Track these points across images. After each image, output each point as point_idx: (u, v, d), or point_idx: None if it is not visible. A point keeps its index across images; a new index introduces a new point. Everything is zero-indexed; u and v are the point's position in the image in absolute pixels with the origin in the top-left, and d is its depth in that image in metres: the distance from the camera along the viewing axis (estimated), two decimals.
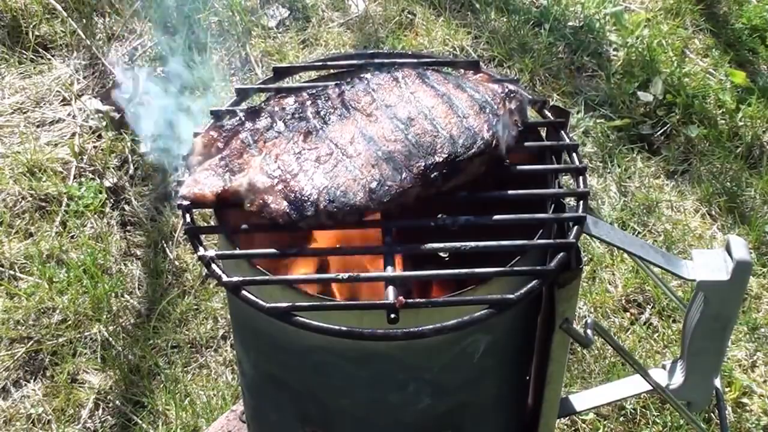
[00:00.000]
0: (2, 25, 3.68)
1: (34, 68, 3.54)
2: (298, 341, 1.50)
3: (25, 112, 3.38)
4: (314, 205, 1.41)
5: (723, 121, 3.34)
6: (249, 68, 3.53)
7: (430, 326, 1.38)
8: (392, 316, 1.36)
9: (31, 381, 2.61)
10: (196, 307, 2.77)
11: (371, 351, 1.49)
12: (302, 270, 1.72)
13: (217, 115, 1.64)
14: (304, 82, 1.82)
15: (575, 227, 1.52)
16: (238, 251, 1.50)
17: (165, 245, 2.92)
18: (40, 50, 3.60)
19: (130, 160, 3.16)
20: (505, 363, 1.68)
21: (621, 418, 2.48)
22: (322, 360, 1.53)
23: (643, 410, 2.49)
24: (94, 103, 3.33)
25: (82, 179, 3.11)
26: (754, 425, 2.48)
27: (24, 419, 2.52)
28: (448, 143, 1.48)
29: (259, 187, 1.44)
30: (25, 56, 3.58)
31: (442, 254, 1.79)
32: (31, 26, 3.64)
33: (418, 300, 1.41)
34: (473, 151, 1.49)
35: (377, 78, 1.60)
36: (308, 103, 1.56)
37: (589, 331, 1.61)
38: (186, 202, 1.48)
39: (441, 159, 1.47)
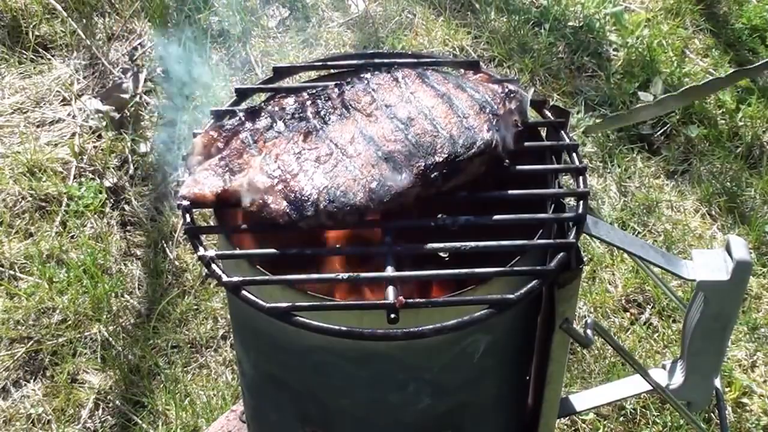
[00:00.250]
0: (2, 25, 3.68)
1: (34, 68, 3.54)
2: (298, 341, 1.50)
3: (25, 112, 3.38)
4: (314, 205, 1.41)
5: (723, 121, 3.34)
6: (249, 68, 3.53)
7: (430, 326, 1.38)
8: (392, 316, 1.36)
9: (31, 381, 2.61)
10: (196, 307, 2.77)
11: (371, 351, 1.49)
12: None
13: (217, 115, 1.64)
14: (304, 82, 1.82)
15: (575, 227, 1.52)
16: (238, 251, 1.50)
17: (165, 245, 2.92)
18: (40, 50, 3.60)
19: (130, 160, 3.16)
20: (505, 363, 1.68)
21: (621, 418, 2.48)
22: (322, 360, 1.53)
23: (643, 410, 2.49)
24: (94, 103, 3.33)
25: (82, 179, 3.11)
26: (754, 425, 2.48)
27: (24, 419, 2.52)
28: (448, 143, 1.48)
29: (259, 187, 1.44)
30: (25, 56, 3.58)
31: (442, 254, 1.79)
32: (31, 26, 3.64)
33: (418, 300, 1.41)
34: (473, 151, 1.49)
35: (377, 78, 1.60)
36: (308, 103, 1.56)
37: (589, 331, 1.61)
38: (186, 202, 1.48)
39: (441, 159, 1.47)
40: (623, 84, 3.43)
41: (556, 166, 1.64)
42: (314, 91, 1.59)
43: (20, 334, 2.70)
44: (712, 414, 2.44)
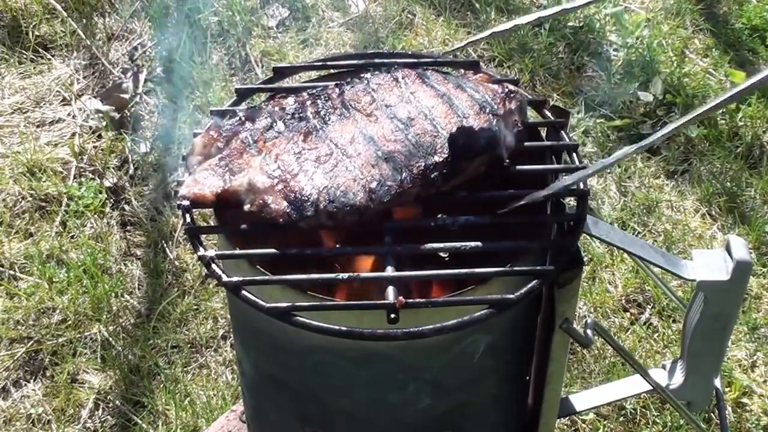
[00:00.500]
0: (2, 25, 3.68)
1: (34, 68, 3.54)
2: (298, 341, 1.50)
3: (25, 112, 3.38)
4: (314, 205, 1.41)
5: (723, 121, 3.34)
6: (249, 68, 3.53)
7: (430, 326, 1.38)
8: (392, 316, 1.36)
9: (31, 381, 2.61)
10: (196, 307, 2.77)
11: (371, 351, 1.49)
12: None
13: (217, 115, 1.64)
14: (304, 82, 1.82)
15: (575, 227, 1.51)
16: (238, 251, 1.50)
17: (165, 245, 2.92)
18: (40, 50, 3.60)
19: (130, 160, 3.16)
20: (505, 363, 1.68)
21: (621, 418, 2.48)
22: (322, 360, 1.53)
23: (643, 410, 2.49)
24: (94, 103, 3.33)
25: (82, 179, 3.11)
26: (754, 425, 2.48)
27: (24, 419, 2.52)
28: (448, 143, 1.48)
29: (259, 187, 1.44)
30: (25, 56, 3.58)
31: (442, 254, 1.79)
32: (31, 26, 3.64)
33: (418, 300, 1.41)
34: (473, 151, 1.49)
35: (377, 78, 1.60)
36: (308, 103, 1.56)
37: (589, 331, 1.61)
38: (186, 202, 1.48)
39: (441, 159, 1.47)
40: (623, 84, 3.43)
41: (556, 166, 1.64)
42: (314, 91, 1.59)
43: (20, 334, 2.70)
44: (712, 414, 2.44)
